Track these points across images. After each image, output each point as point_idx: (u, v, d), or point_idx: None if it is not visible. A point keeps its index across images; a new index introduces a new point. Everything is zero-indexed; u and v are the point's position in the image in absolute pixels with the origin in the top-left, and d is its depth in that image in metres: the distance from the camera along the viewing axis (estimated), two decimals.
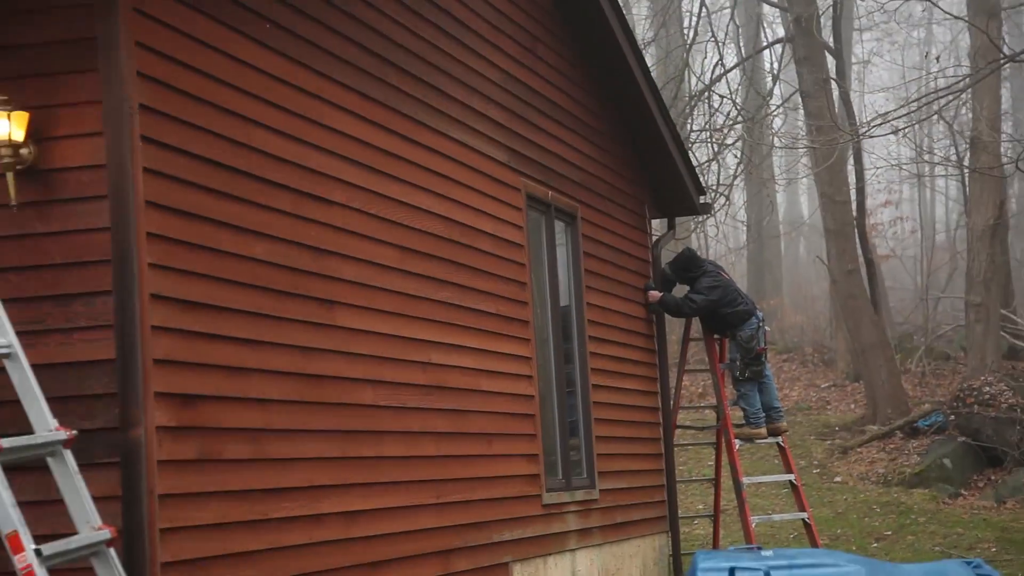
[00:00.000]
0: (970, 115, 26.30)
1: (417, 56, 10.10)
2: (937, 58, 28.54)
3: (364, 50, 9.33)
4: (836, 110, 24.97)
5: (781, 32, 28.16)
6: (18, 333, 6.00)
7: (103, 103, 6.87)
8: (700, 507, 16.62)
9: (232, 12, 7.89)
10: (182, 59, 7.37)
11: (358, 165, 9.14)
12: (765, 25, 30.95)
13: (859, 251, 24.92)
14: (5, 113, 6.75)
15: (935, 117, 26.47)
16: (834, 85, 25.22)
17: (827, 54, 25.21)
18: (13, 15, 7.00)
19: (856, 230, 25.23)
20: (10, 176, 6.81)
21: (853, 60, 30.99)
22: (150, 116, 7.01)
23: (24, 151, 6.82)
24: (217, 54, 7.72)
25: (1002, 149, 25.33)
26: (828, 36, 25.63)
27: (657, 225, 16.63)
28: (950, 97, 24.27)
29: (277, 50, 8.32)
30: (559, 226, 13.10)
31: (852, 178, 24.87)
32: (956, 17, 27.64)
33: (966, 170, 27.80)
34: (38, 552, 5.52)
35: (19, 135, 6.79)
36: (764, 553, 7.83)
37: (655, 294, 15.39)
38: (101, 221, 6.88)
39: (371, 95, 9.38)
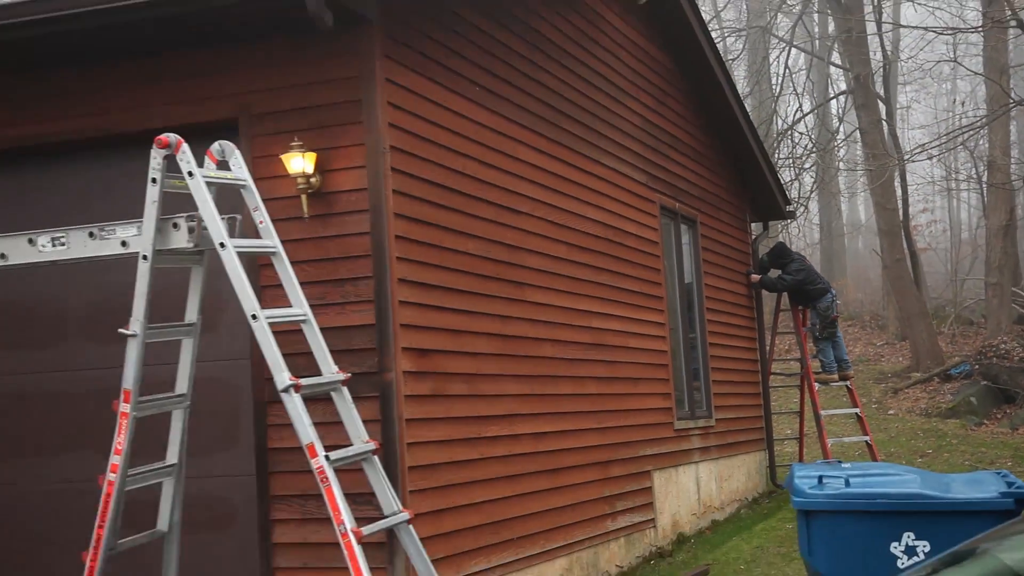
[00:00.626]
0: (987, 144, 26.00)
1: (580, 107, 10.25)
2: (962, 103, 28.57)
3: (542, 103, 9.50)
4: (886, 142, 24.70)
5: (844, 86, 27.94)
6: (310, 306, 6.28)
7: (365, 145, 7.18)
8: (788, 432, 16.56)
9: (452, 79, 8.13)
10: (418, 113, 7.65)
11: (538, 185, 9.31)
12: (832, 81, 30.73)
13: (904, 245, 24.72)
14: (301, 154, 7.08)
15: (960, 146, 26.16)
16: (884, 124, 24.97)
17: (879, 101, 24.96)
18: (306, 86, 7.34)
19: (902, 230, 25.02)
20: (304, 197, 7.15)
21: (898, 105, 30.71)
22: (397, 154, 7.31)
23: (313, 180, 7.14)
24: (441, 109, 7.96)
25: (1012, 169, 25.15)
26: (879, 88, 25.34)
27: (754, 227, 16.59)
28: (972, 132, 24.50)
29: (482, 104, 8.54)
30: (684, 228, 13.17)
31: (898, 191, 24.65)
32: (976, 73, 27.49)
33: (984, 185, 27.75)
34: (327, 457, 5.77)
35: (310, 169, 7.10)
36: (843, 465, 7.88)
37: (755, 277, 15.54)
38: (364, 227, 7.18)
39: (547, 135, 9.55)
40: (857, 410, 16.03)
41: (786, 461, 15.93)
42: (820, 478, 7.05)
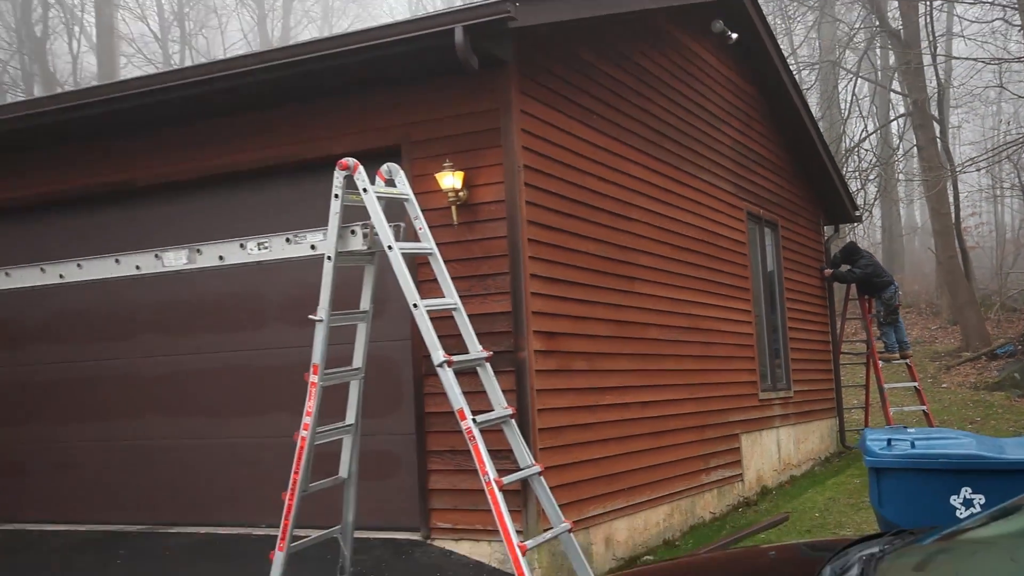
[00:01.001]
0: None
1: (680, 130, 10.22)
2: (1007, 122, 28.03)
3: (649, 128, 9.50)
4: (940, 157, 24.15)
5: (903, 109, 27.50)
6: (459, 297, 6.42)
7: (503, 165, 7.29)
8: (854, 402, 16.31)
9: (574, 109, 8.19)
10: (546, 137, 7.73)
11: (646, 196, 9.32)
12: (893, 105, 30.21)
13: (956, 244, 24.10)
14: (451, 173, 7.23)
15: (1005, 159, 25.55)
16: (938, 141, 24.44)
17: (934, 122, 24.40)
18: (455, 117, 7.48)
19: (954, 230, 24.38)
20: (453, 208, 7.30)
21: (950, 125, 30.10)
22: (529, 171, 7.41)
23: (461, 194, 7.28)
24: (565, 134, 8.03)
25: None
26: (934, 110, 24.76)
27: (827, 229, 16.36)
28: (1015, 147, 23.93)
29: (599, 130, 8.57)
30: (767, 231, 13.05)
31: (951, 198, 24.07)
32: (1019, 96, 26.74)
33: None
34: (474, 420, 5.90)
35: (458, 185, 7.24)
36: (908, 430, 7.80)
37: (828, 271, 15.41)
38: (502, 232, 7.30)
39: (653, 154, 9.55)
40: (915, 384, 15.79)
41: (853, 427, 15.73)
42: (889, 441, 7.01)
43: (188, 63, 34.91)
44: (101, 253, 7.40)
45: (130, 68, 35.74)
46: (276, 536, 6.30)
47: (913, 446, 6.88)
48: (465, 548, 7.31)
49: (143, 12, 39.68)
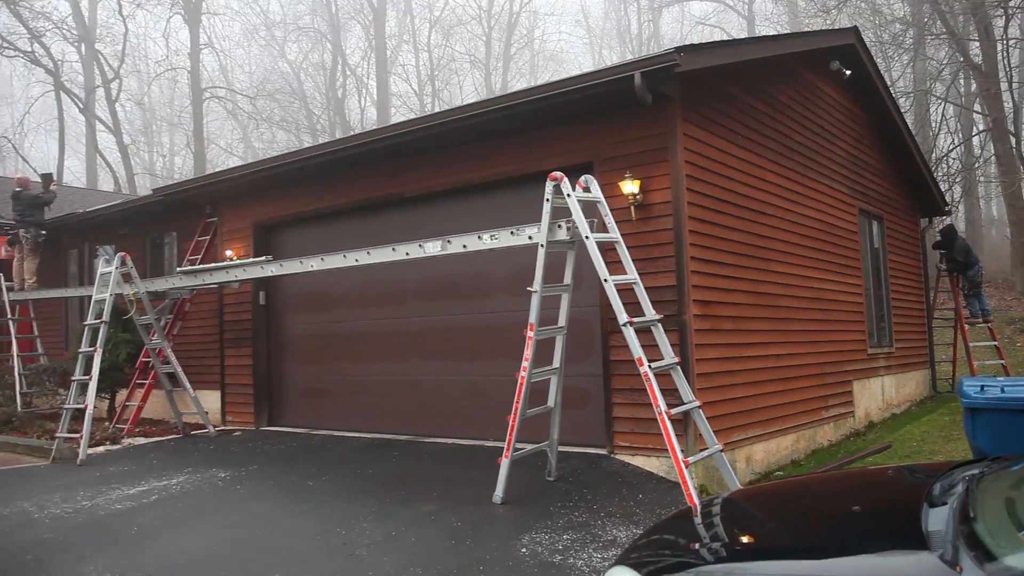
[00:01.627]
0: None
1: (804, 144, 9.73)
2: None
3: (780, 144, 9.08)
4: (1015, 163, 22.24)
5: (983, 126, 25.48)
6: (637, 274, 6.36)
7: (670, 175, 7.13)
8: (943, 357, 15.20)
9: (722, 131, 7.91)
10: (702, 153, 7.50)
11: (778, 196, 8.92)
12: (975, 122, 27.98)
13: None
14: (631, 181, 7.14)
15: None
16: (1014, 151, 22.45)
17: (1010, 135, 22.46)
18: (634, 139, 7.36)
19: None
20: (632, 208, 7.19)
21: None
22: (689, 179, 7.21)
23: (638, 197, 7.16)
24: (716, 150, 7.76)
25: None
26: (1010, 126, 22.77)
27: (922, 221, 15.29)
28: None
29: (742, 146, 8.26)
30: (874, 223, 12.28)
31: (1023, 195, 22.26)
32: None
33: None
34: (649, 366, 5.83)
35: (636, 190, 7.14)
36: (997, 378, 7.25)
37: (942, 256, 14.66)
38: (668, 226, 7.15)
39: (784, 164, 9.12)
40: (995, 343, 14.61)
41: (942, 377, 14.77)
42: (982, 387, 6.55)
43: (437, 110, 35.84)
44: (381, 244, 7.73)
45: (398, 115, 37.07)
46: (502, 448, 6.42)
47: (1003, 391, 6.40)
48: (639, 461, 7.25)
49: (407, 75, 41.21)
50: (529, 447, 6.75)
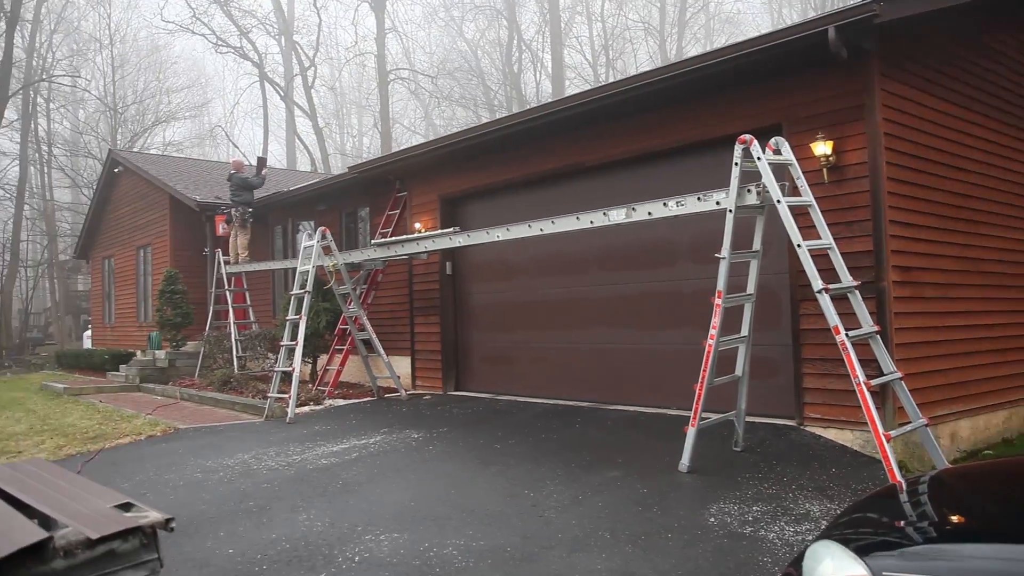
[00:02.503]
0: None
1: (1020, 95, 8.83)
2: None
3: (989, 94, 8.21)
4: None
5: None
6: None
7: (866, 134, 6.66)
8: None
9: (924, 84, 7.28)
10: (903, 109, 6.94)
11: (986, 153, 8.02)
12: None
13: None
14: (823, 142, 6.74)
15: None
16: None
17: None
18: (827, 98, 6.92)
19: None
20: (824, 170, 6.78)
21: None
22: (888, 138, 6.71)
23: (831, 158, 6.74)
24: (917, 105, 7.15)
25: None
26: None
27: None
28: None
29: (946, 99, 7.53)
30: None
31: None
32: None
33: None
34: (846, 334, 5.50)
35: (828, 151, 6.73)
36: None
37: None
38: (865, 188, 6.70)
39: (993, 116, 8.23)
40: None
41: None
42: None
43: (611, 80, 35.41)
44: (564, 214, 7.75)
45: (572, 87, 37.01)
46: (687, 416, 6.30)
47: None
48: (831, 434, 6.89)
49: (580, 47, 41.01)
50: (715, 416, 6.58)
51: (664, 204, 6.63)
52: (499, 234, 8.43)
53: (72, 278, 35.49)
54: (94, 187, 24.55)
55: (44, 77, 34.13)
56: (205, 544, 5.27)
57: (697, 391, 6.16)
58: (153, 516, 3.06)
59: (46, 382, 16.72)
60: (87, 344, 23.62)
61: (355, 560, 4.82)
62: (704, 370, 6.12)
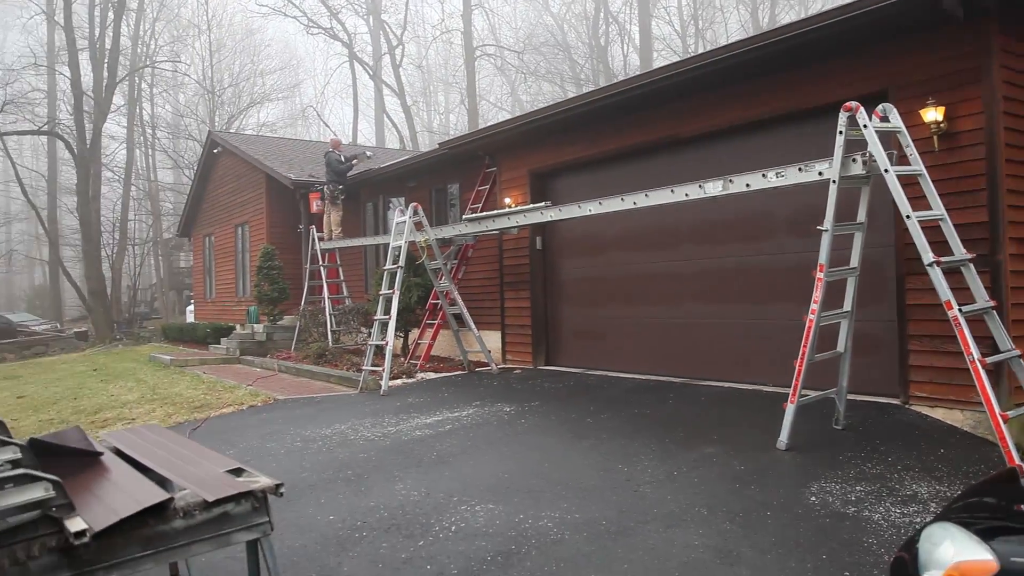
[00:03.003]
0: None
1: None
2: None
3: None
4: None
5: None
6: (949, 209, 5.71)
7: (982, 99, 6.29)
8: None
9: None
10: (1020, 70, 6.56)
11: None
12: None
13: None
14: (933, 108, 6.40)
15: None
16: None
17: None
18: (938, 61, 6.56)
19: None
20: (935, 138, 6.45)
21: None
22: (1007, 102, 6.31)
23: (942, 125, 6.40)
24: None
25: None
26: None
27: None
28: None
29: None
30: None
31: None
32: None
33: None
34: (960, 309, 5.24)
35: (939, 118, 6.39)
36: None
37: None
38: (980, 156, 6.34)
39: None
40: None
41: None
42: None
43: (701, 50, 34.60)
44: (657, 187, 7.61)
45: (660, 59, 36.28)
46: (783, 394, 6.15)
47: None
48: (939, 414, 6.60)
49: (669, 17, 40.14)
50: (814, 394, 6.38)
51: (763, 175, 6.43)
52: (591, 208, 8.34)
53: (175, 255, 37.05)
54: (195, 168, 25.51)
55: (148, 63, 35.52)
56: (307, 510, 5.43)
57: (797, 367, 5.98)
58: (264, 481, 3.16)
59: (154, 354, 17.53)
60: (190, 318, 24.66)
61: (451, 529, 4.89)
62: (804, 346, 5.93)
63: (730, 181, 6.69)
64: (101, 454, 3.54)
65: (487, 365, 11.29)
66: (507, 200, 11.15)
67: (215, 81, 39.68)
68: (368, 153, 15.48)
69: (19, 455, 3.21)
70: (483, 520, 5.02)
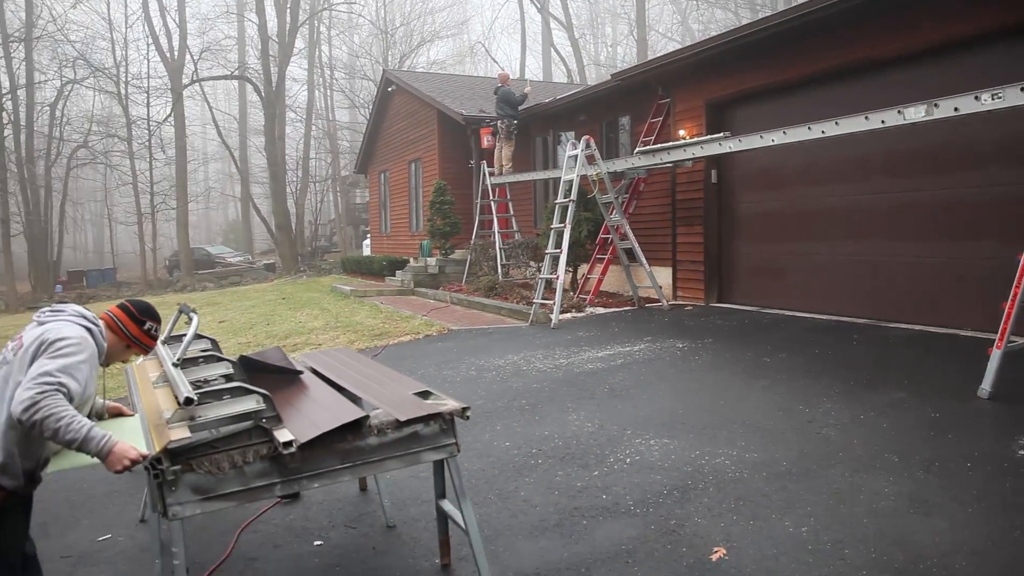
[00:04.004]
0: None
1: None
2: None
3: None
4: None
5: None
6: None
7: None
8: None
9: None
10: None
11: None
12: None
13: None
14: None
15: None
16: None
17: None
18: None
19: None
20: None
21: None
22: None
23: None
24: None
25: None
26: None
27: None
28: None
29: None
30: None
31: None
32: None
33: None
34: None
35: None
36: None
37: None
38: None
39: None
40: None
41: None
42: None
43: None
44: (848, 114, 7.07)
45: None
46: (984, 339, 5.71)
47: None
48: None
49: None
50: (1020, 340, 5.83)
51: (976, 98, 5.81)
52: (774, 138, 7.90)
53: (351, 192, 38.80)
54: (370, 107, 26.40)
55: (326, 6, 36.85)
56: (483, 436, 5.60)
57: (1006, 310, 5.46)
58: (451, 404, 3.26)
59: (335, 285, 18.58)
60: (366, 252, 25.87)
61: (626, 462, 4.89)
62: (1017, 287, 5.39)
63: (935, 105, 6.10)
64: (301, 372, 3.78)
65: (657, 301, 11.13)
66: (681, 132, 10.79)
67: (387, 21, 40.67)
68: (527, 89, 15.43)
69: (231, 370, 3.48)
70: (658, 454, 4.99)
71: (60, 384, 2.55)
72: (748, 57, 9.70)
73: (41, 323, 2.78)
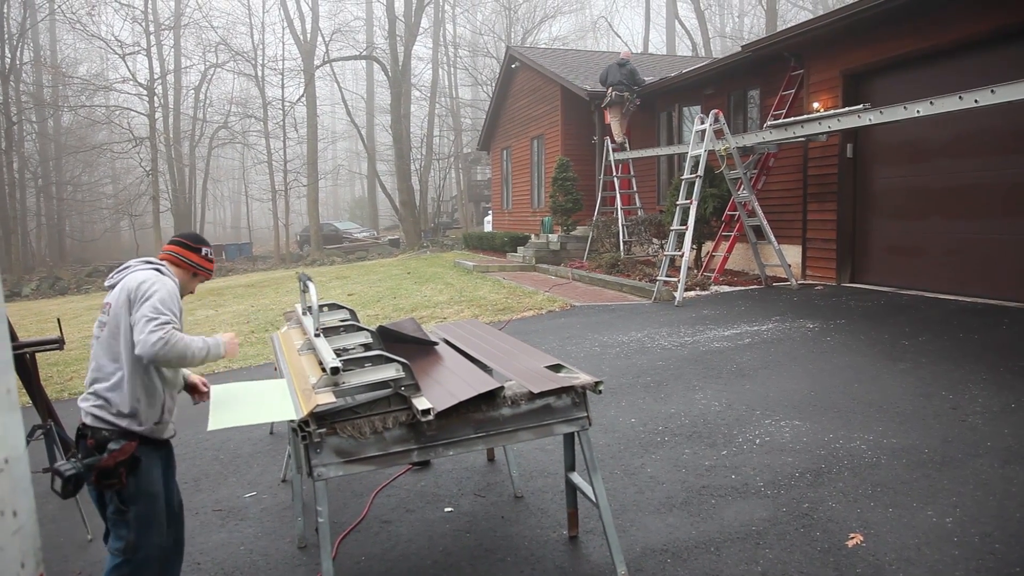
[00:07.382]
0: None
1: None
2: None
3: None
4: None
5: None
6: None
7: None
8: None
9: None
10: None
11: None
12: None
13: None
14: None
15: None
16: None
17: None
18: None
19: None
20: None
21: None
22: None
23: None
24: None
25: None
26: None
27: None
28: None
29: None
30: None
31: None
32: None
33: None
34: None
35: None
36: None
37: None
38: None
39: None
40: None
41: None
42: None
43: None
44: (1007, 82, 6.57)
45: None
46: None
47: None
48: None
49: None
50: None
51: (993, 92, 5.28)
52: (919, 108, 7.42)
53: (473, 169, 39.29)
54: (493, 84, 26.58)
55: None
56: (608, 412, 5.59)
57: None
58: (584, 378, 3.27)
59: (457, 260, 18.89)
60: (487, 228, 26.18)
61: (755, 442, 4.79)
62: None
63: None
64: (436, 344, 3.87)
65: (784, 280, 10.78)
66: (815, 104, 10.34)
67: None
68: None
69: (370, 339, 3.61)
70: (788, 436, 4.86)
71: (166, 320, 2.80)
72: (888, 23, 9.18)
73: (114, 284, 3.01)
